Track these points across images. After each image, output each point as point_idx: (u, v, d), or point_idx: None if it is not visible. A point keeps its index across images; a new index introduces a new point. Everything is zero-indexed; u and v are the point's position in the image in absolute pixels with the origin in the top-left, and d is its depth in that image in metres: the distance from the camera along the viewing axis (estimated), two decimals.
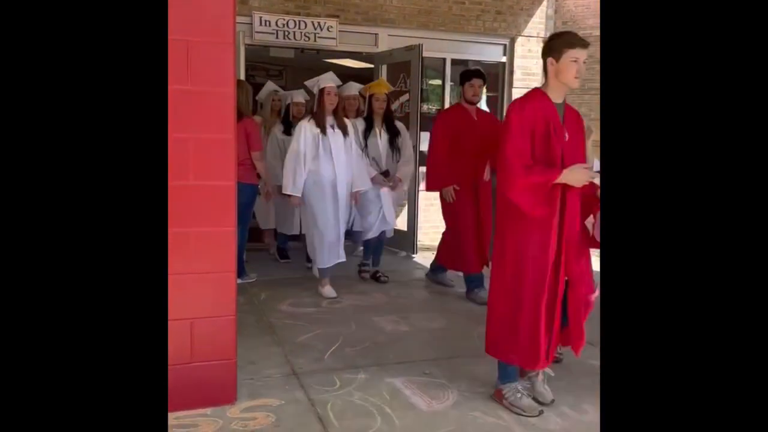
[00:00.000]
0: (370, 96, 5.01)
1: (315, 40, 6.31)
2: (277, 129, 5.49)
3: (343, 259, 4.66)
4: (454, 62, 7.10)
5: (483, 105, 7.27)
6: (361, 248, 5.51)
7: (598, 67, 6.47)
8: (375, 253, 5.30)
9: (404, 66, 6.40)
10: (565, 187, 2.62)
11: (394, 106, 6.93)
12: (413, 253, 6.21)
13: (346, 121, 4.67)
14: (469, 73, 4.71)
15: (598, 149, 3.19)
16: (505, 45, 7.24)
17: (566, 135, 2.69)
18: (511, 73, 7.23)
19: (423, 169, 6.63)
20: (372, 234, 5.03)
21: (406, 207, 6.49)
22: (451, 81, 7.14)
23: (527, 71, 7.22)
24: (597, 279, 2.65)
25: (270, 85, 6.09)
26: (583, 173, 2.58)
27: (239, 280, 3.81)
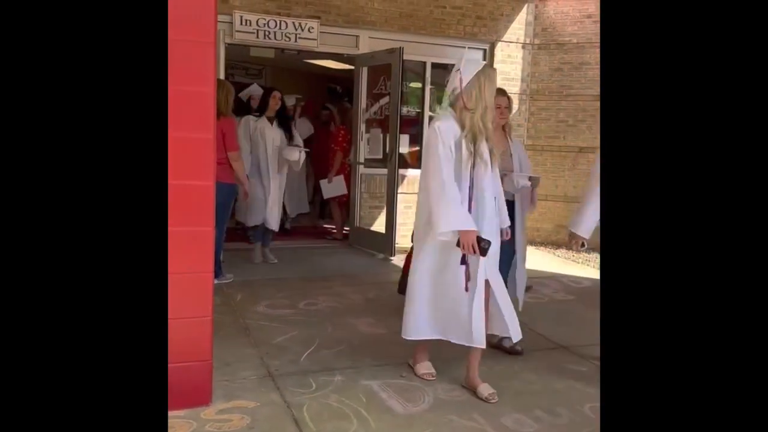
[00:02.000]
0: None
1: (296, 41, 6.29)
2: None
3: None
4: (435, 66, 7.13)
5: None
6: None
7: (576, 73, 6.55)
8: None
9: (385, 69, 6.41)
10: None
11: (374, 108, 6.97)
12: (391, 256, 6.22)
13: None
14: None
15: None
16: (485, 50, 7.30)
17: None
18: None
19: (402, 171, 6.70)
20: None
21: (384, 209, 6.50)
22: (431, 84, 7.17)
23: (507, 76, 7.27)
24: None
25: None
26: None
27: (216, 281, 3.78)
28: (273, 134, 5.63)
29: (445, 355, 3.58)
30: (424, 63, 7.08)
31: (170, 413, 2.66)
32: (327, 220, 7.83)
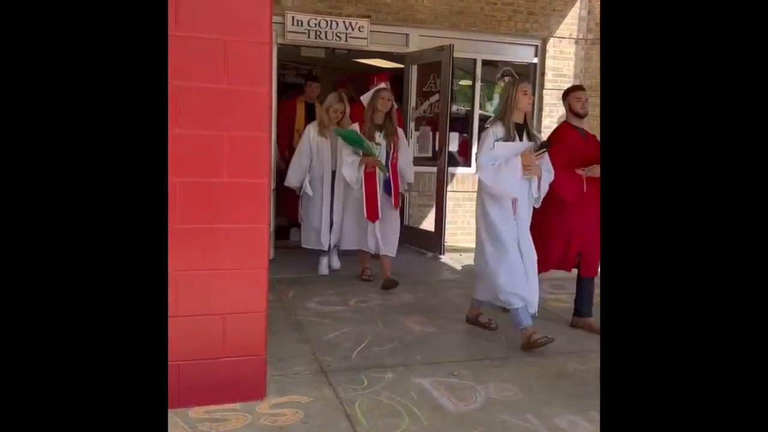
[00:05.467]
0: None
1: (346, 40, 6.34)
2: None
3: None
4: (485, 63, 7.07)
5: None
6: None
7: None
8: None
9: (435, 66, 6.39)
10: None
11: (423, 106, 6.95)
12: (440, 254, 6.20)
13: None
14: None
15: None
16: (536, 46, 7.19)
17: None
18: (543, 74, 7.18)
19: (451, 170, 6.68)
20: None
21: (434, 208, 6.48)
22: (481, 82, 7.11)
23: (559, 72, 7.15)
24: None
25: None
26: None
27: None
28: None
29: (497, 354, 3.56)
30: (474, 60, 7.02)
31: (226, 406, 2.73)
32: None
